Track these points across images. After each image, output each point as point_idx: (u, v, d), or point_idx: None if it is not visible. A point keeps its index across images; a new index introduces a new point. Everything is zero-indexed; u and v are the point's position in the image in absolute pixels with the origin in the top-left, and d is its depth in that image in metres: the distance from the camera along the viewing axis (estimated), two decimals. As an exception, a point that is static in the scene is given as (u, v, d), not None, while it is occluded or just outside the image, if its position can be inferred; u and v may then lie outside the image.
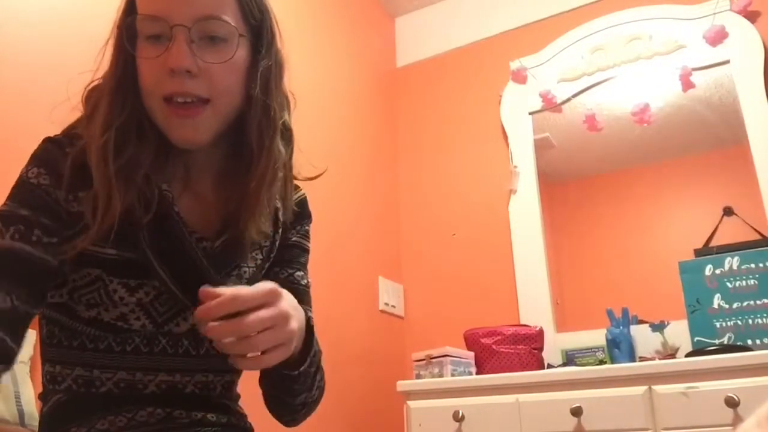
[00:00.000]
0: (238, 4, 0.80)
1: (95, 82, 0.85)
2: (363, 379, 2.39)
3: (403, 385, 2.08)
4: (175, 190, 0.84)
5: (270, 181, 0.84)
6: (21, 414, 1.08)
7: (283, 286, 0.93)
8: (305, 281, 0.97)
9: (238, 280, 0.87)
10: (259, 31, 0.83)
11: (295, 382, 0.83)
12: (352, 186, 2.57)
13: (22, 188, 0.79)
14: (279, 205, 0.91)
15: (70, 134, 0.83)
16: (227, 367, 0.89)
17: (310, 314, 0.92)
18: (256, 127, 0.83)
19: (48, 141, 0.82)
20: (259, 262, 0.91)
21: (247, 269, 0.89)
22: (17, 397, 1.08)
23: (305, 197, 0.99)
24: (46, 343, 0.84)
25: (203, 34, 0.77)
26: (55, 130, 0.84)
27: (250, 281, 0.88)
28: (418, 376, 2.14)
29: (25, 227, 0.75)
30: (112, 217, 0.76)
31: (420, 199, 2.87)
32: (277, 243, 0.93)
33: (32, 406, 1.12)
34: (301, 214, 0.97)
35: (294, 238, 0.96)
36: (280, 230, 0.93)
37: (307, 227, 0.99)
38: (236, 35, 0.80)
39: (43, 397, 0.85)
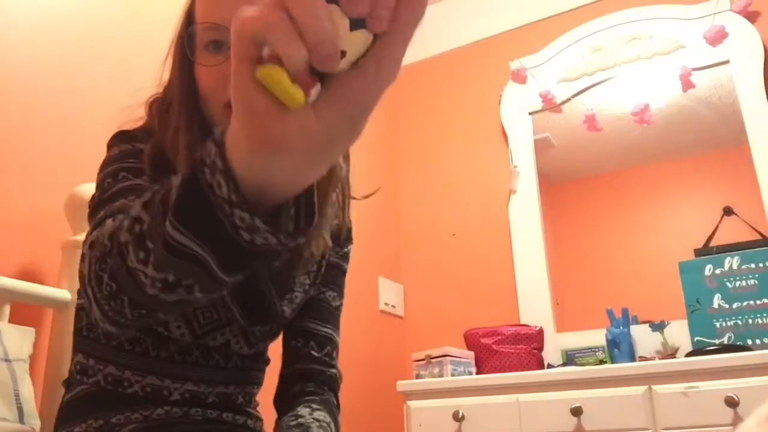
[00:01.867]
0: None
1: (156, 95, 0.86)
2: (363, 379, 2.39)
3: (403, 385, 2.08)
4: None
5: (331, 195, 0.85)
6: (20, 412, 1.08)
7: (313, 303, 0.95)
8: (336, 303, 0.98)
9: (289, 303, 0.88)
10: None
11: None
12: (352, 186, 2.56)
13: (131, 154, 0.78)
14: (337, 222, 0.92)
15: (141, 130, 0.83)
16: (250, 380, 0.91)
17: (336, 337, 0.95)
18: None
19: (126, 132, 0.83)
20: (307, 287, 0.92)
21: (298, 294, 0.90)
22: (17, 396, 1.08)
23: (350, 219, 1.00)
24: (83, 335, 0.85)
25: None
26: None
27: (299, 306, 0.91)
28: (418, 376, 2.14)
29: (150, 181, 0.75)
30: None
31: (420, 199, 2.87)
32: (324, 266, 0.95)
33: (31, 405, 1.11)
34: (348, 234, 1.00)
35: (333, 259, 0.97)
36: (326, 254, 0.94)
37: (347, 249, 1.01)
38: None
39: (67, 384, 0.86)
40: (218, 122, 0.80)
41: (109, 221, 0.61)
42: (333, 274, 0.98)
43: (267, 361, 0.96)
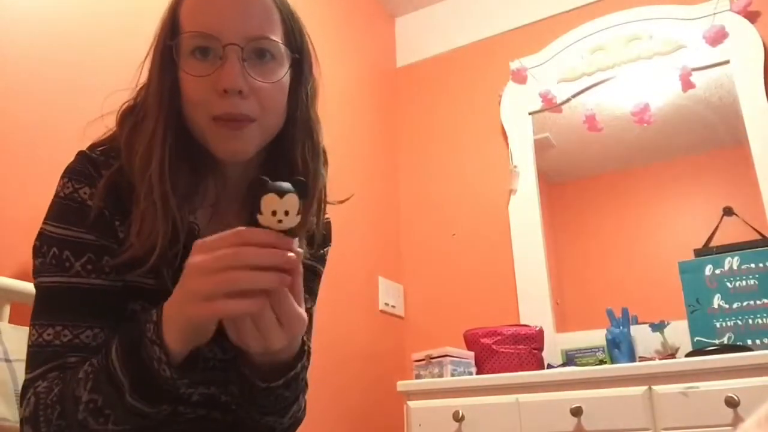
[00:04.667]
0: (283, 26, 0.82)
1: (128, 102, 0.85)
2: (363, 379, 2.39)
3: (403, 385, 2.08)
4: (202, 219, 0.84)
5: (314, 205, 0.86)
6: (20, 413, 1.08)
7: None
8: (307, 305, 0.94)
9: None
10: (300, 55, 0.85)
11: (263, 397, 0.77)
12: (352, 186, 2.56)
13: (77, 209, 0.78)
14: (312, 227, 0.91)
15: (104, 151, 0.82)
16: (231, 380, 0.90)
17: (308, 344, 0.91)
18: (300, 149, 0.85)
19: (85, 158, 0.81)
20: None
21: None
22: (17, 396, 1.08)
23: (330, 222, 1.00)
24: None
25: (254, 53, 0.78)
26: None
27: None
28: (418, 376, 2.14)
29: (95, 256, 0.77)
30: (155, 246, 0.76)
31: (420, 199, 2.87)
32: None
33: (32, 406, 1.11)
34: (324, 238, 0.98)
35: (307, 261, 0.95)
36: None
37: (323, 251, 0.99)
38: (285, 56, 0.81)
39: None
40: (202, 132, 0.79)
41: (38, 396, 0.72)
42: (306, 276, 0.97)
43: None
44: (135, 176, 0.78)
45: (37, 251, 0.79)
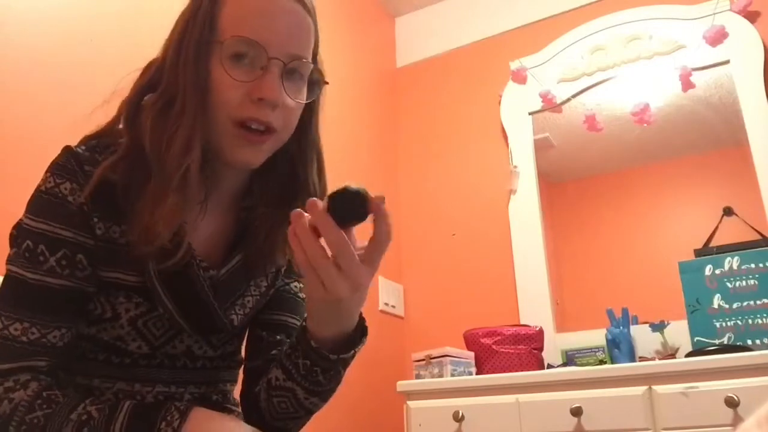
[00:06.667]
0: (313, 47, 0.84)
1: (135, 87, 0.83)
2: (363, 379, 2.39)
3: (403, 385, 2.08)
4: (191, 216, 0.83)
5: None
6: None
7: (279, 295, 0.93)
8: (303, 294, 0.96)
9: (241, 308, 0.88)
10: (315, 72, 0.85)
11: (325, 371, 0.78)
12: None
13: (56, 204, 0.77)
14: None
15: (90, 147, 0.81)
16: (222, 379, 0.90)
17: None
18: (310, 167, 0.87)
19: (70, 154, 0.79)
20: (263, 289, 0.91)
21: (250, 298, 0.89)
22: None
23: None
24: None
25: (291, 70, 0.79)
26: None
27: (253, 310, 0.90)
28: (418, 376, 2.14)
29: (70, 252, 0.77)
30: (181, 239, 0.77)
31: (420, 199, 2.87)
32: (285, 266, 0.94)
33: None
34: None
35: None
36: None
37: None
38: (308, 76, 0.83)
39: None
40: (220, 135, 0.79)
41: (14, 405, 0.71)
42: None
43: (240, 360, 0.95)
44: (163, 166, 0.76)
45: (14, 240, 0.79)
